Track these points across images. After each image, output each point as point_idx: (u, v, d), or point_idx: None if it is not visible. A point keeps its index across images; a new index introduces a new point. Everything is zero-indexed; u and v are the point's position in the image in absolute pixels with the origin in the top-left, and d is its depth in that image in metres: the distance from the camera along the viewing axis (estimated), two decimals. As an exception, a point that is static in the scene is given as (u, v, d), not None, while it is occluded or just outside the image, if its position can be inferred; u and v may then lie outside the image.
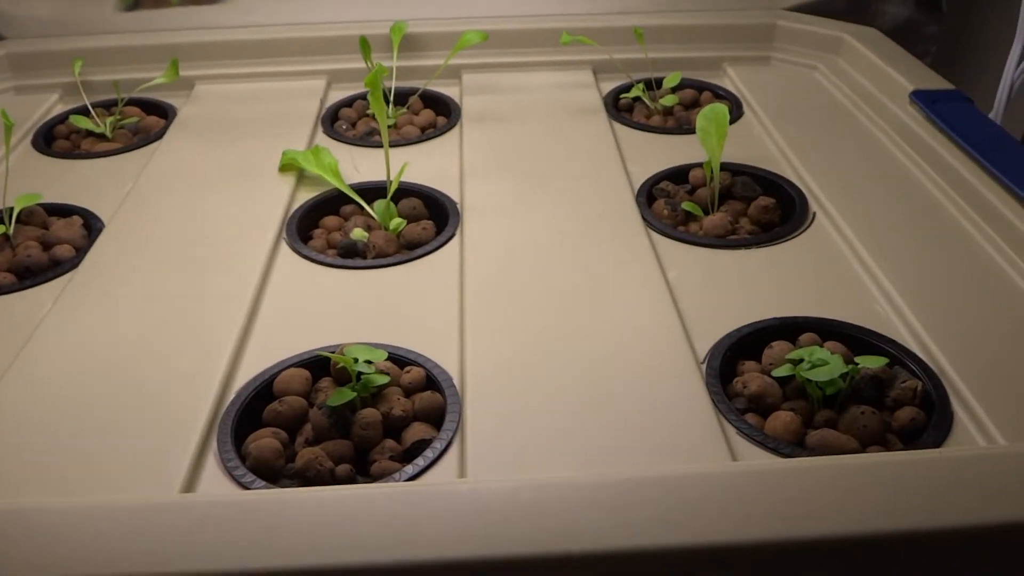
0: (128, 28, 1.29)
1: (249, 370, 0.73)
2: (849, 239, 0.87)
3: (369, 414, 0.66)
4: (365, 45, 1.17)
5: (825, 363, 0.68)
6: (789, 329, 0.76)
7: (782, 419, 0.66)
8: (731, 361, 0.74)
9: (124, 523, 0.53)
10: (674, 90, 1.18)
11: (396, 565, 0.50)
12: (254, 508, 0.54)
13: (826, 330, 0.75)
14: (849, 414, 0.66)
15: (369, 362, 0.69)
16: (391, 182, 0.94)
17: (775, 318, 0.77)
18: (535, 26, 1.26)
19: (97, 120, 1.15)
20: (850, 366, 0.68)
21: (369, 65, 1.17)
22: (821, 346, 0.73)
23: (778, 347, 0.73)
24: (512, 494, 0.53)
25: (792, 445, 0.64)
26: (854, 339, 0.75)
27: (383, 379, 0.69)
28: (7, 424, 0.68)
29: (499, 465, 0.62)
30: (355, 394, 0.67)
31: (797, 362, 0.69)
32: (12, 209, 0.93)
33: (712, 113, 0.95)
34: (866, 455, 0.61)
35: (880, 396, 0.69)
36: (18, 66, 1.25)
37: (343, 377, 0.71)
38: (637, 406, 0.67)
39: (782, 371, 0.70)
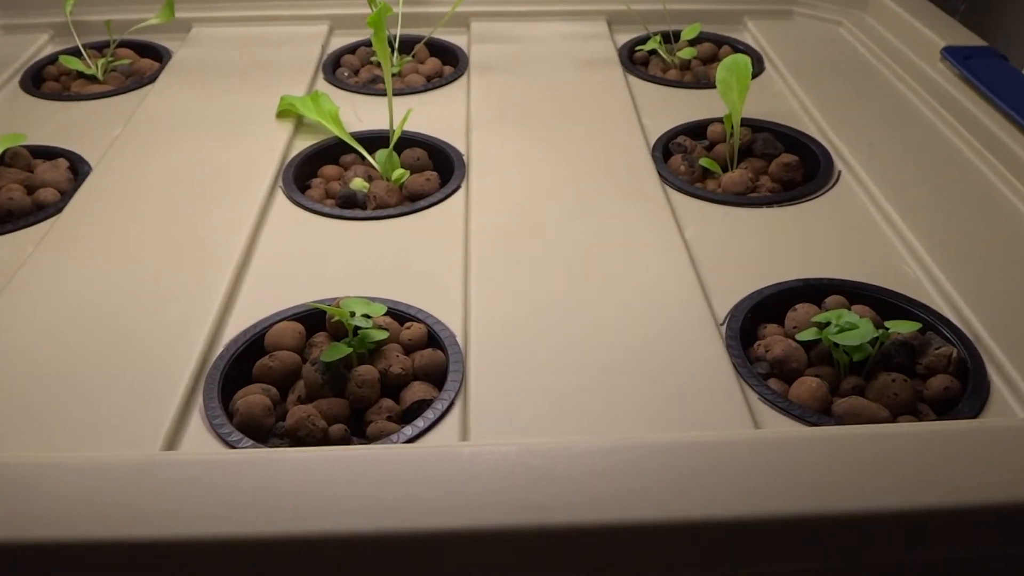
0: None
1: (239, 323, 0.69)
2: (876, 199, 0.82)
3: (366, 371, 0.62)
4: (369, -12, 1.11)
5: (854, 327, 0.63)
6: (814, 291, 0.71)
7: (808, 385, 0.62)
8: (752, 324, 0.69)
9: (100, 481, 0.49)
10: (692, 43, 1.13)
11: (393, 533, 0.46)
12: (240, 468, 0.50)
13: (853, 293, 0.71)
14: (879, 381, 0.62)
15: (367, 316, 0.65)
16: (394, 131, 0.90)
17: (799, 279, 0.73)
18: (548, -27, 1.21)
19: (88, 61, 1.10)
20: (880, 331, 0.64)
21: (373, 8, 1.11)
22: (848, 309, 0.68)
23: (802, 310, 0.69)
24: (519, 459, 0.49)
25: (818, 413, 0.60)
26: (882, 303, 0.70)
27: (382, 335, 0.64)
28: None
29: (504, 428, 0.58)
30: (351, 349, 0.62)
31: (823, 326, 0.65)
32: (-5, 150, 0.88)
33: (733, 64, 0.90)
34: (899, 424, 0.57)
35: (911, 363, 0.65)
36: (6, 4, 1.20)
37: (339, 332, 0.67)
38: (652, 368, 0.63)
39: (807, 335, 0.66)
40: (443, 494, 0.47)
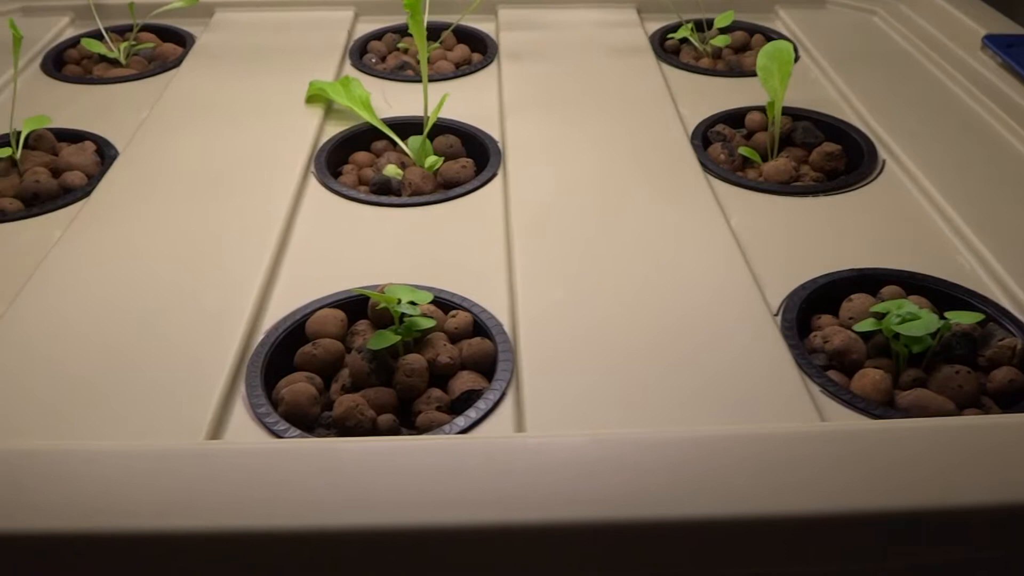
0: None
1: (278, 310, 0.67)
2: (925, 188, 0.80)
3: (414, 360, 0.60)
4: (398, -28, 1.09)
5: (916, 317, 0.61)
6: (868, 281, 0.69)
7: (871, 377, 0.60)
8: (805, 314, 0.67)
9: (147, 470, 0.47)
10: (724, 31, 1.11)
11: (451, 527, 0.44)
12: (290, 458, 0.48)
13: (908, 283, 0.69)
14: (942, 373, 0.60)
15: (413, 304, 0.63)
16: (428, 116, 0.88)
17: (851, 269, 0.71)
18: (577, -40, 1.19)
19: (111, 45, 1.08)
20: (941, 322, 0.62)
21: (402, -6, 1.09)
22: (905, 299, 0.66)
23: (858, 300, 0.67)
24: (584, 451, 0.47)
25: (882, 406, 0.58)
26: (939, 293, 0.68)
27: (429, 323, 0.62)
28: (12, 360, 0.61)
29: (560, 419, 0.56)
30: (399, 337, 0.60)
31: (881, 316, 0.63)
32: (19, 132, 0.86)
33: (775, 51, 0.88)
34: (971, 418, 0.55)
35: (972, 355, 0.63)
36: (27, -14, 1.18)
37: (383, 319, 0.65)
38: (709, 358, 0.61)
39: (865, 326, 0.64)
40: (507, 487, 0.45)
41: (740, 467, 0.46)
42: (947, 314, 0.63)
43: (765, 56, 0.88)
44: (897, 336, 0.62)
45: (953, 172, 0.82)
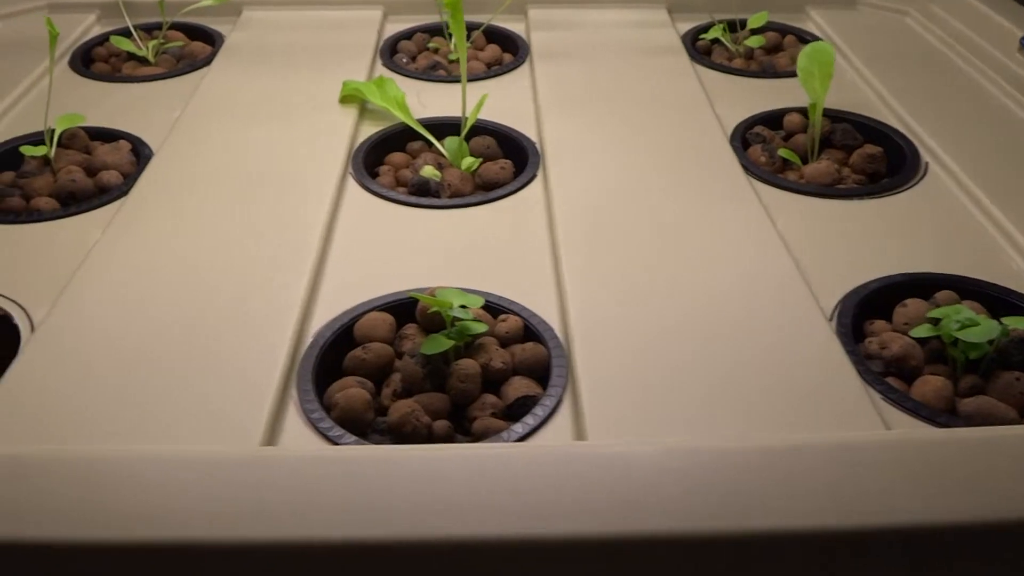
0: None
1: (325, 312, 0.66)
2: (971, 191, 0.79)
3: (468, 365, 0.59)
4: (431, -29, 1.08)
5: (975, 323, 0.60)
6: (920, 286, 0.68)
7: (932, 384, 0.59)
8: (857, 319, 0.66)
9: (203, 479, 0.47)
10: (757, 32, 1.10)
11: (523, 539, 0.43)
12: (354, 466, 0.47)
13: (961, 288, 0.68)
14: (1002, 380, 0.59)
15: (464, 307, 0.62)
16: (467, 117, 0.87)
17: (903, 274, 0.70)
18: (607, -41, 1.18)
19: (139, 43, 1.07)
20: (999, 327, 0.61)
21: (434, -5, 1.08)
22: (961, 304, 0.65)
23: (912, 305, 0.66)
24: (655, 461, 0.46)
25: (945, 413, 0.57)
26: (993, 298, 0.67)
27: (481, 327, 0.61)
28: (56, 365, 0.60)
29: (620, 428, 0.55)
30: (452, 342, 0.60)
31: (937, 322, 0.62)
32: (53, 131, 0.85)
33: (815, 52, 0.87)
34: (1040, 427, 0.55)
35: (1031, 362, 0.62)
36: (52, -17, 1.17)
37: (431, 323, 0.64)
38: (767, 364, 0.60)
39: (921, 331, 0.63)
40: (579, 498, 0.44)
41: (815, 478, 0.45)
42: (1004, 319, 0.62)
43: (805, 57, 0.87)
44: (955, 342, 0.61)
45: (997, 174, 0.81)
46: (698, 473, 0.46)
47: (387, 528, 0.43)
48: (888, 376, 0.61)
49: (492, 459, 0.46)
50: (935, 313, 0.63)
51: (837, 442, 0.49)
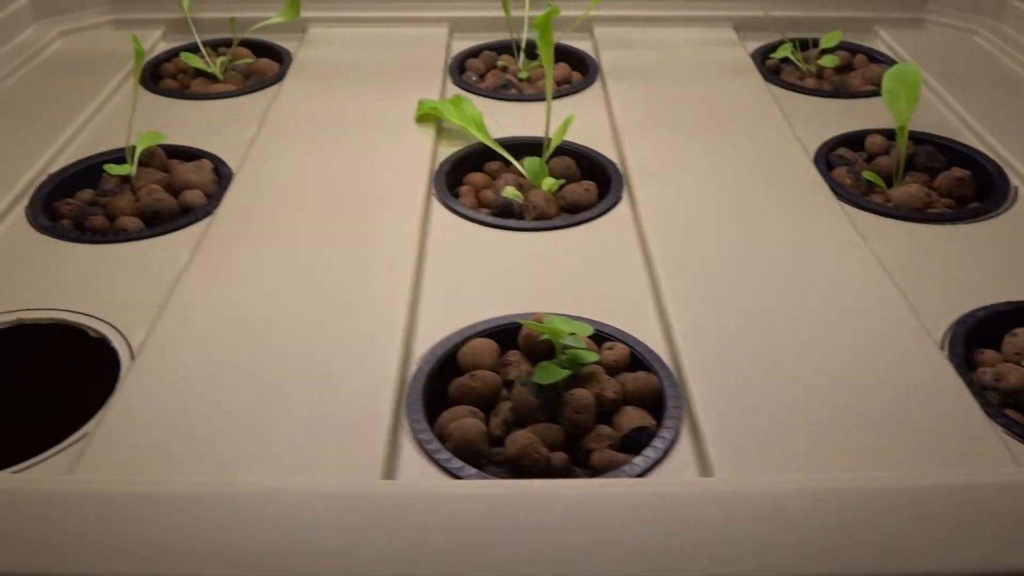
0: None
1: (424, 338, 0.65)
2: (1068, 218, 0.78)
3: (583, 395, 0.58)
4: (504, -11, 1.08)
5: (1097, 356, 0.59)
6: (1025, 315, 0.67)
7: (1059, 420, 0.58)
8: (965, 348, 0.65)
9: (329, 513, 0.46)
10: (828, 51, 1.09)
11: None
12: (495, 504, 0.46)
13: (1071, 318, 0.67)
14: None
15: (573, 335, 0.61)
16: (550, 138, 0.86)
17: (1007, 302, 0.69)
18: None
19: (208, 59, 1.06)
20: (1119, 360, 0.60)
21: (507, 14, 1.07)
22: (1073, 336, 0.64)
23: (1022, 335, 0.65)
24: (811, 500, 0.45)
25: (1075, 450, 0.56)
26: (1105, 329, 0.66)
27: (592, 356, 0.60)
28: (160, 392, 0.60)
29: (746, 462, 0.54)
30: (567, 371, 0.59)
31: (1052, 353, 0.61)
32: (135, 148, 0.85)
33: (901, 73, 0.86)
34: None
35: None
36: (116, -1, 1.17)
37: (536, 351, 0.63)
38: (885, 395, 0.59)
39: (1037, 363, 0.62)
40: (738, 538, 0.43)
41: (955, 520, 0.44)
42: (1120, 352, 0.61)
43: (891, 79, 0.86)
44: (1074, 375, 0.60)
45: (1093, 200, 0.80)
46: (843, 513, 0.45)
47: (533, 569, 0.42)
48: (1005, 408, 0.60)
49: (621, 498, 0.45)
50: (1052, 344, 0.62)
51: (971, 482, 0.47)
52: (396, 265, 0.72)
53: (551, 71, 0.84)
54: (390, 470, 0.55)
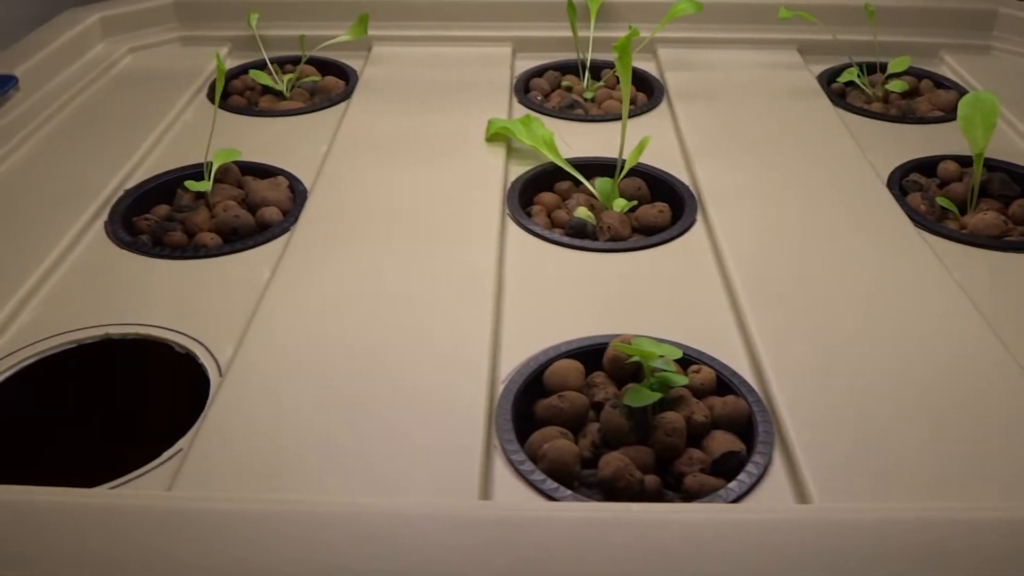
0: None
1: (508, 358, 0.65)
2: None
3: (674, 419, 0.58)
4: (572, 10, 1.08)
5: None
6: (1116, 346, 0.67)
7: None
8: (1054, 379, 0.65)
9: (431, 534, 0.46)
10: (894, 76, 1.08)
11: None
12: (603, 526, 0.46)
13: None
14: None
15: (662, 358, 0.61)
16: (624, 159, 0.86)
17: (1096, 333, 0.68)
18: (736, 0, 1.17)
19: (276, 77, 1.08)
20: None
21: (575, 34, 1.08)
22: None
23: (1114, 366, 0.64)
24: (915, 528, 0.45)
25: None
26: None
27: (682, 379, 0.60)
28: (254, 408, 0.60)
29: (843, 489, 0.54)
30: (658, 395, 0.58)
31: None
32: (211, 164, 0.86)
33: (977, 101, 0.86)
34: None
35: None
36: (186, 16, 1.18)
37: (622, 372, 0.63)
38: (973, 422, 0.58)
39: None
40: (848, 567, 0.43)
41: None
42: None
43: (967, 106, 0.85)
44: None
45: None
46: (950, 543, 0.45)
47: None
48: (1104, 441, 0.59)
49: (722, 524, 0.45)
50: None
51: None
52: (477, 284, 0.72)
53: (628, 92, 0.84)
54: (485, 490, 0.55)
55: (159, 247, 0.79)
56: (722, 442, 0.58)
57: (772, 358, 0.64)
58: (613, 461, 0.55)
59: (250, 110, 1.04)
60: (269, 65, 1.09)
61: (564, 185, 0.90)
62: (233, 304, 0.71)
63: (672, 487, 0.57)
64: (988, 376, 0.63)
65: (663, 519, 0.47)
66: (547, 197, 0.88)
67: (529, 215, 0.85)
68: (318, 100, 1.06)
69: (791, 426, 0.58)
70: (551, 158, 0.89)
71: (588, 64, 1.09)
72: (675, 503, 0.55)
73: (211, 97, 1.05)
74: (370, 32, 1.15)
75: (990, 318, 0.69)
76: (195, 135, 0.97)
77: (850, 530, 0.46)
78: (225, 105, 1.04)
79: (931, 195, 0.86)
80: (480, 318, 0.68)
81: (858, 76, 1.08)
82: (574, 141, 0.96)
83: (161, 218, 0.84)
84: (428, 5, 1.17)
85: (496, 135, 0.94)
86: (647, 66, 1.13)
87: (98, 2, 1.18)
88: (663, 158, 0.92)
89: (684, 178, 0.89)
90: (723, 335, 0.68)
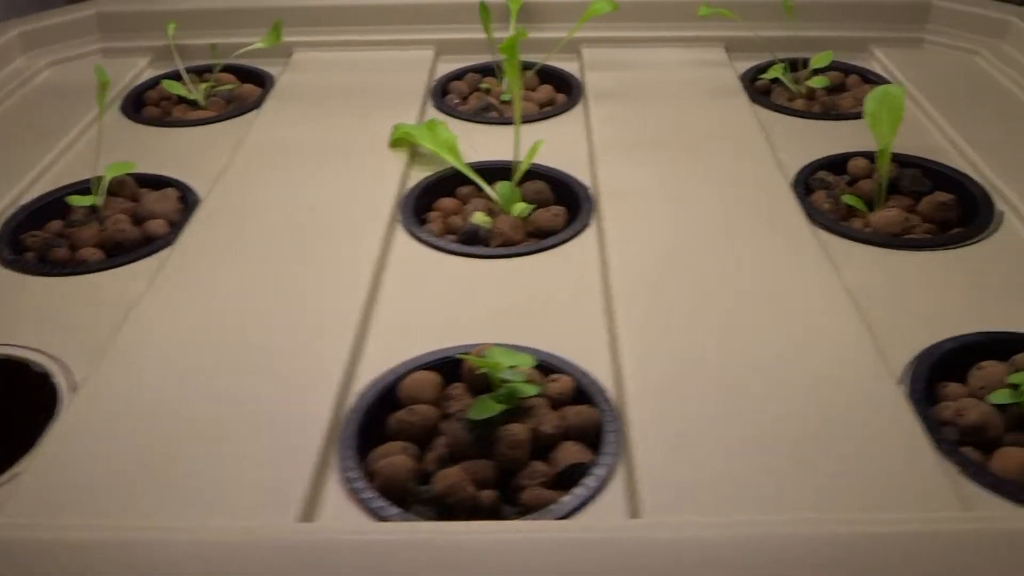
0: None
1: (369, 370, 0.64)
2: (1051, 243, 0.75)
3: (518, 431, 0.56)
4: (485, 12, 1.06)
5: (1061, 391, 0.56)
6: (997, 346, 0.64)
7: (1016, 457, 0.55)
8: (929, 382, 0.62)
9: (240, 561, 0.44)
10: (820, 71, 1.06)
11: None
12: (395, 549, 0.44)
13: (1044, 349, 0.64)
14: (1092, 454, 0.55)
15: (513, 368, 0.59)
16: (520, 162, 0.84)
17: (979, 332, 0.66)
18: (662, -2, 1.16)
19: (190, 86, 1.06)
20: (1087, 395, 0.57)
21: (488, 36, 1.06)
22: (1043, 368, 0.61)
23: (989, 368, 0.62)
24: (737, 545, 0.43)
25: (1029, 491, 0.53)
26: (1078, 362, 0.63)
27: (532, 389, 0.59)
28: (95, 429, 0.58)
29: (679, 502, 0.52)
30: (502, 406, 0.57)
31: (1017, 387, 0.58)
32: (102, 178, 0.85)
33: (884, 95, 0.83)
34: None
35: (1122, 433, 0.58)
36: (108, 27, 1.17)
37: (480, 382, 0.61)
38: (835, 433, 0.56)
39: (1000, 397, 0.59)
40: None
41: (899, 567, 0.42)
42: (1092, 386, 0.58)
43: (874, 101, 0.83)
44: (1038, 410, 0.57)
45: (1079, 225, 0.77)
46: (771, 559, 0.43)
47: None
48: (964, 446, 0.57)
49: (541, 543, 0.43)
50: (1016, 378, 0.59)
51: (922, 530, 0.45)
52: (349, 296, 0.70)
53: (519, 94, 0.83)
54: (311, 509, 0.53)
55: (42, 264, 0.78)
56: (569, 454, 0.57)
57: (633, 366, 0.62)
58: (446, 476, 0.54)
59: (161, 121, 1.02)
60: (184, 75, 1.08)
61: (466, 190, 0.88)
62: (103, 321, 0.70)
63: (513, 501, 0.55)
64: (857, 384, 0.60)
65: (470, 539, 0.45)
66: (446, 202, 0.87)
67: (426, 221, 0.84)
68: (232, 109, 1.04)
69: (637, 437, 0.56)
70: (452, 162, 0.88)
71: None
72: (497, 521, 0.53)
73: (123, 110, 1.04)
74: (293, 38, 1.14)
75: (874, 320, 0.67)
76: (104, 147, 0.95)
77: (665, 547, 0.44)
78: (138, 117, 1.03)
79: (837, 193, 0.84)
80: (343, 329, 0.66)
81: (783, 72, 1.06)
82: (487, 144, 0.94)
83: (53, 234, 0.83)
84: (351, 9, 1.16)
85: (400, 140, 0.92)
86: (570, 66, 1.11)
87: (18, 17, 1.17)
88: (570, 160, 0.90)
89: (587, 180, 0.87)
90: (593, 342, 0.66)
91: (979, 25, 1.13)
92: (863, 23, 1.15)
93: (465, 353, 0.63)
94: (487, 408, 0.56)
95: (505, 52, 0.78)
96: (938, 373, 0.63)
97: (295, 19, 1.15)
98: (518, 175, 0.84)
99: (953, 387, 0.62)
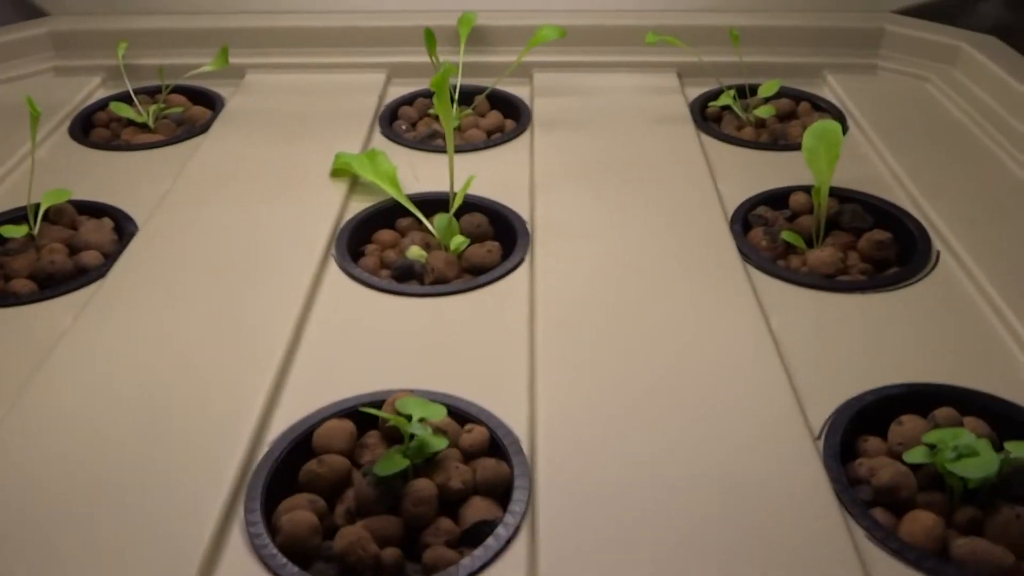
0: (178, 9, 1.19)
1: (286, 416, 0.64)
2: (983, 287, 0.75)
3: (424, 487, 0.56)
4: (430, 37, 1.06)
5: (974, 453, 0.56)
6: (919, 399, 0.64)
7: (922, 522, 0.54)
8: (849, 435, 0.62)
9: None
10: (769, 99, 1.06)
11: None
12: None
13: (964, 402, 0.64)
14: (1001, 517, 0.55)
15: (423, 420, 0.59)
16: (455, 195, 0.84)
17: (902, 384, 0.65)
18: (616, 22, 1.15)
19: (140, 108, 1.06)
20: (1000, 453, 0.57)
21: (433, 60, 1.06)
22: (961, 424, 0.61)
23: (909, 423, 0.62)
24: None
25: (934, 556, 0.53)
26: (999, 416, 0.63)
27: (441, 443, 0.58)
28: (5, 476, 0.58)
29: (579, 564, 0.52)
30: (408, 462, 0.56)
31: (934, 446, 0.58)
32: (38, 206, 0.84)
33: (822, 131, 0.83)
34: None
35: (1035, 493, 0.57)
36: (60, 45, 1.16)
37: (393, 433, 0.61)
38: (744, 496, 0.56)
39: (916, 456, 0.59)
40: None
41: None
42: (1008, 444, 0.58)
43: (812, 136, 0.82)
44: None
45: (1014, 267, 0.77)
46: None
47: None
48: (876, 506, 0.57)
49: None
50: (931, 437, 0.59)
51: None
52: (272, 335, 0.70)
53: (451, 127, 0.82)
54: (211, 566, 0.53)
55: (-28, 295, 0.77)
56: (478, 510, 0.56)
57: (547, 417, 0.62)
58: (347, 534, 0.53)
59: (109, 144, 1.02)
60: (133, 96, 1.07)
61: (405, 222, 0.87)
62: (27, 357, 0.69)
63: (419, 558, 0.55)
64: (773, 442, 0.60)
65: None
66: (385, 235, 0.86)
67: (363, 255, 0.83)
68: (180, 132, 1.04)
69: (543, 496, 0.56)
70: (392, 194, 0.87)
71: (458, 90, 1.07)
72: (392, 582, 0.53)
73: (72, 131, 1.03)
74: (245, 60, 1.14)
75: (798, 370, 0.67)
76: (50, 170, 0.95)
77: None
78: (86, 139, 1.03)
79: (775, 230, 0.84)
80: (260, 375, 0.66)
81: (733, 100, 1.05)
82: (430, 173, 0.94)
83: (-13, 263, 0.82)
84: (304, 31, 1.15)
85: (340, 169, 0.92)
86: (521, 91, 1.10)
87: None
88: (510, 191, 0.90)
89: (525, 212, 0.86)
90: (513, 389, 0.66)
91: (930, 51, 1.12)
92: (817, 49, 1.15)
93: (382, 400, 0.63)
94: (393, 464, 0.56)
95: (435, 87, 0.78)
96: (859, 426, 0.63)
97: (248, 40, 1.14)
98: (453, 208, 0.83)
99: (873, 442, 0.62)
